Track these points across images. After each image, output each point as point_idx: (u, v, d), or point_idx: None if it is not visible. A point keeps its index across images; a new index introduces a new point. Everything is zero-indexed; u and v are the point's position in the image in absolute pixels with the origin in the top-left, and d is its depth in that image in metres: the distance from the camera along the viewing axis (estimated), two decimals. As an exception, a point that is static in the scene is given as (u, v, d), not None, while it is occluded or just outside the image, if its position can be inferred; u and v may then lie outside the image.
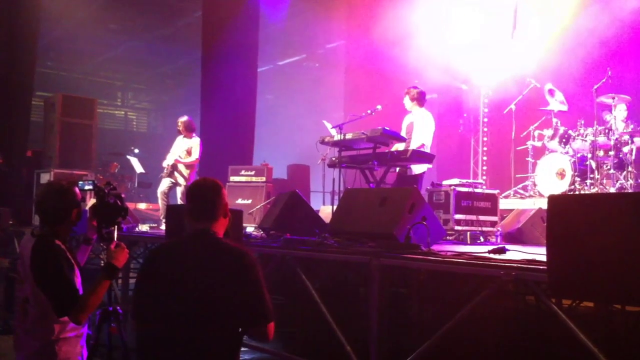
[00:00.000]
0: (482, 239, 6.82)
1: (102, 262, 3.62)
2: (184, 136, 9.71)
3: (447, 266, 4.23)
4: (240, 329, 2.85)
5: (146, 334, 2.91)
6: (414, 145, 7.53)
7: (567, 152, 8.86)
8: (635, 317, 5.46)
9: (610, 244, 3.00)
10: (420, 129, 7.75)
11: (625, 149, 8.42)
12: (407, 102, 7.98)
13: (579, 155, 8.75)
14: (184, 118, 9.77)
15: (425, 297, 6.01)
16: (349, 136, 7.19)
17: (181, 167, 9.46)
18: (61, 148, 10.92)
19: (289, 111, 20.09)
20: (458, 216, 6.63)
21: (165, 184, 9.46)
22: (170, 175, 9.43)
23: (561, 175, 8.67)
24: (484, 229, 6.84)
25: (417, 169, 7.60)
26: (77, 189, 3.68)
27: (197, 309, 2.77)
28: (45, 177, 10.62)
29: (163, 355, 2.85)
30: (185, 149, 9.60)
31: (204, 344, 2.76)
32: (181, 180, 9.39)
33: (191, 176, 9.46)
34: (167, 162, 9.55)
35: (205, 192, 3.05)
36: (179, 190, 9.45)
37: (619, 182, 8.31)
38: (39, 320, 3.42)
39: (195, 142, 9.65)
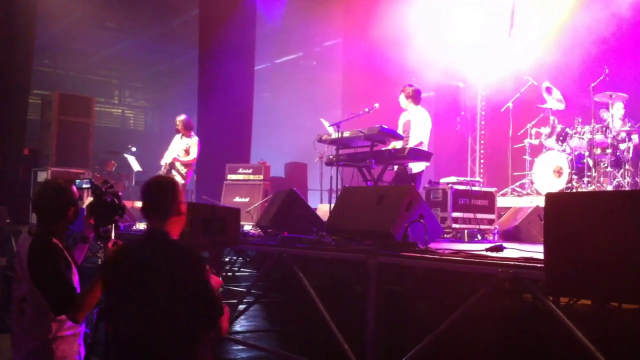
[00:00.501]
0: (479, 237, 6.81)
1: (99, 260, 3.61)
2: (183, 135, 9.71)
3: (444, 264, 4.23)
4: (194, 328, 2.85)
5: (113, 335, 2.93)
6: (412, 143, 7.53)
7: (564, 150, 8.87)
8: (632, 314, 5.48)
9: (607, 242, 3.00)
10: (417, 127, 7.74)
11: (623, 147, 8.43)
12: (403, 100, 7.97)
13: (576, 153, 8.75)
14: (182, 117, 9.76)
15: (423, 296, 6.01)
16: (346, 134, 7.17)
17: (179, 165, 9.46)
18: (58, 146, 10.90)
19: (287, 109, 20.06)
20: (455, 214, 6.63)
21: (162, 182, 9.45)
22: (168, 173, 9.43)
23: (558, 173, 8.67)
24: (482, 227, 6.83)
25: (416, 167, 7.60)
26: (74, 187, 3.67)
27: (149, 310, 2.78)
28: (42, 176, 10.60)
29: (126, 356, 2.87)
30: (183, 148, 9.60)
31: (160, 345, 2.78)
32: (179, 179, 9.37)
33: (189, 174, 9.46)
34: (165, 160, 9.54)
35: (155, 190, 3.04)
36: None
37: (616, 180, 8.32)
38: (37, 319, 3.42)
39: (193, 142, 9.64)
